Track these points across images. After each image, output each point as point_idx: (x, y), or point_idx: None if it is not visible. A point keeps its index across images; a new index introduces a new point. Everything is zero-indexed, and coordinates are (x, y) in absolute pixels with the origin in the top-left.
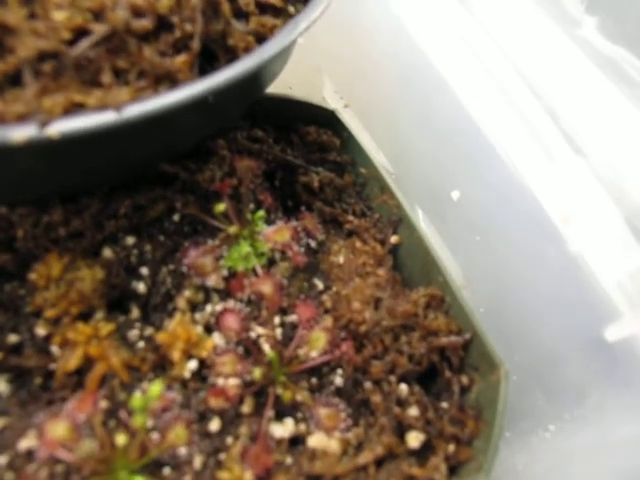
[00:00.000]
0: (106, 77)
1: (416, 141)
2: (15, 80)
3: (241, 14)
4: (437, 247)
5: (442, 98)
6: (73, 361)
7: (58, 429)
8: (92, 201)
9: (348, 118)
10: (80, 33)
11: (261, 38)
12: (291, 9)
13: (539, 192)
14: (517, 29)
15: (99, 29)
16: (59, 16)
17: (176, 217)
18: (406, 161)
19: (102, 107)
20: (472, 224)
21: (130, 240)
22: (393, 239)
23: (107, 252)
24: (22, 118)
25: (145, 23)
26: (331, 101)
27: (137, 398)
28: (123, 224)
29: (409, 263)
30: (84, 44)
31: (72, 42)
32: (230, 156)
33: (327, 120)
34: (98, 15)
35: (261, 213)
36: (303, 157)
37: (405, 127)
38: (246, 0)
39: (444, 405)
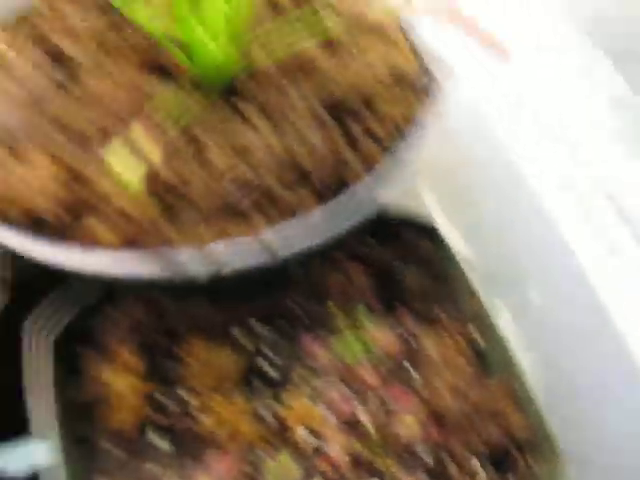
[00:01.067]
0: (248, 208)
1: (501, 240)
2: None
3: (352, 143)
4: (514, 342)
5: (528, 208)
6: (212, 426)
7: None
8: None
9: (439, 217)
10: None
11: (369, 165)
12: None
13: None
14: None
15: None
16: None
17: (295, 307)
18: (491, 259)
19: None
20: (549, 326)
21: (257, 325)
22: (476, 336)
23: (238, 335)
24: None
25: (279, 160)
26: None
27: (272, 465)
28: (255, 313)
29: (490, 357)
30: (235, 184)
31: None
32: (342, 257)
33: (426, 229)
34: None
35: (364, 309)
36: (401, 259)
37: (490, 228)
38: (357, 130)
39: None
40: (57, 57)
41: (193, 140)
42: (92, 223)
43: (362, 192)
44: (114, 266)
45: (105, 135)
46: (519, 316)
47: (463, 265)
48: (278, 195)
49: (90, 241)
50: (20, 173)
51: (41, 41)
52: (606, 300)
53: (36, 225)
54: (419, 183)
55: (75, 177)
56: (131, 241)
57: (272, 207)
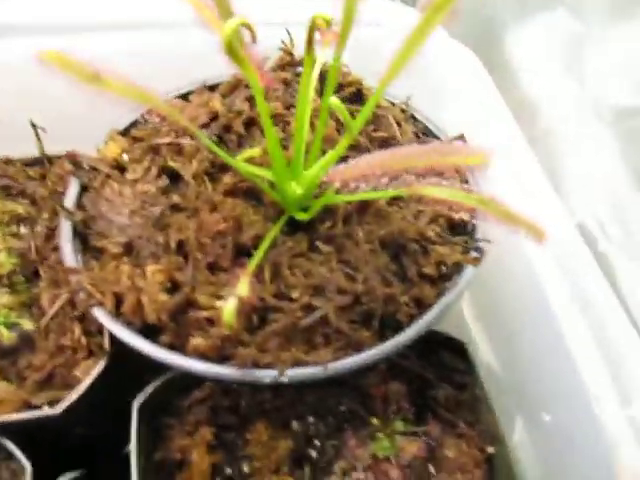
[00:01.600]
0: (318, 339)
1: (523, 358)
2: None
3: (406, 281)
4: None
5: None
6: None
7: None
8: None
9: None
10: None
11: (423, 308)
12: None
13: None
14: None
15: (321, 305)
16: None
17: (343, 407)
18: (514, 374)
19: (314, 363)
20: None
21: (311, 419)
22: (489, 449)
23: (295, 425)
24: (267, 365)
25: (346, 300)
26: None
27: None
28: (310, 409)
29: (496, 464)
30: (310, 319)
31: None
32: (385, 369)
33: (459, 348)
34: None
35: (399, 416)
36: (435, 374)
37: (518, 348)
38: (413, 272)
39: None
40: (167, 171)
41: (277, 269)
42: (198, 341)
43: (415, 331)
44: (208, 371)
45: (213, 266)
46: (530, 431)
47: (485, 382)
48: (345, 332)
49: (191, 350)
50: (137, 283)
51: (154, 153)
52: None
53: (147, 325)
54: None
55: (186, 298)
56: (224, 357)
57: (339, 342)
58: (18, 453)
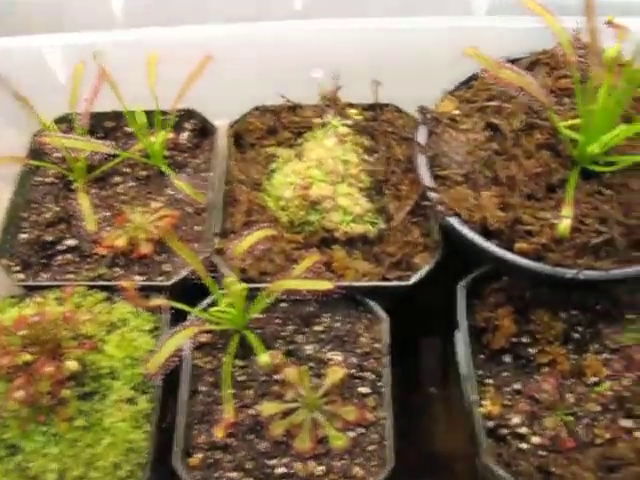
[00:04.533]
0: (603, 254)
1: None
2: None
3: None
4: None
5: None
6: (542, 359)
7: None
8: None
9: None
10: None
11: None
12: None
13: None
14: None
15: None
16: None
17: (599, 307)
18: None
19: (598, 269)
20: None
21: (574, 312)
22: None
23: (563, 315)
24: (567, 266)
25: (622, 230)
26: None
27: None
28: (573, 304)
29: None
30: (598, 239)
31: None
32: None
33: None
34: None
35: None
36: None
37: None
38: None
39: None
40: (491, 125)
41: (575, 202)
42: (522, 244)
43: None
44: (528, 265)
45: (531, 196)
46: None
47: None
48: (620, 251)
49: (517, 250)
50: (479, 202)
51: (481, 112)
52: None
53: (484, 231)
54: None
55: (515, 215)
56: (540, 258)
57: (615, 256)
58: (378, 308)
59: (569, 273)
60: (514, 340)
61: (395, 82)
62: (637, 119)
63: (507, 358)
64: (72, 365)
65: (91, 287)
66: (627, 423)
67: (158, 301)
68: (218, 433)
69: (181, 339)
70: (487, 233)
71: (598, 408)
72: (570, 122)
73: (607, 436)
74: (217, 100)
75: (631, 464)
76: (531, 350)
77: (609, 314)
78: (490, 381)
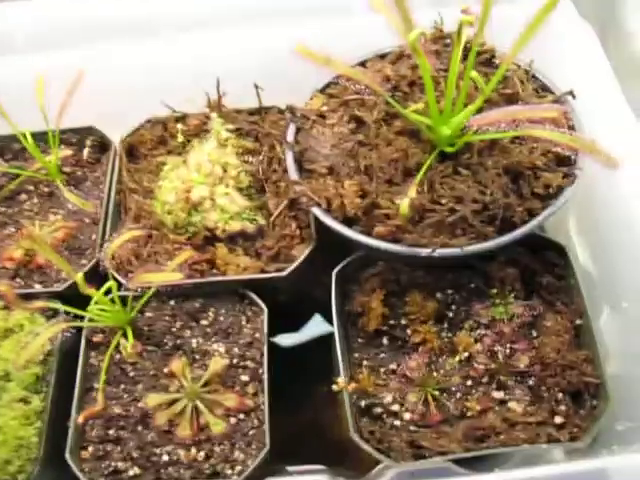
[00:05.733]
0: (458, 231)
1: (613, 262)
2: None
3: (521, 197)
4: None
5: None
6: (414, 338)
7: None
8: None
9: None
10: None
11: (532, 215)
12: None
13: None
14: None
15: (460, 209)
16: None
17: (472, 285)
18: (604, 272)
19: (455, 245)
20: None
21: (449, 291)
22: (578, 321)
23: (438, 295)
24: (424, 246)
25: (478, 206)
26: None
27: (444, 365)
28: (448, 284)
29: (583, 337)
30: (453, 217)
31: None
32: (503, 258)
33: (559, 247)
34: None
35: (512, 293)
36: (540, 264)
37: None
38: (526, 191)
39: None
40: (355, 118)
41: (431, 185)
42: (379, 228)
43: (526, 231)
44: (386, 247)
45: (389, 182)
46: (612, 315)
47: (579, 275)
48: (476, 227)
49: (375, 234)
50: (339, 192)
51: (345, 106)
52: None
53: (346, 219)
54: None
55: (372, 201)
56: (396, 240)
57: (472, 234)
58: (258, 300)
59: (424, 252)
60: (392, 322)
61: (281, 85)
62: (478, 97)
63: (385, 340)
64: None
65: None
66: (499, 395)
67: (39, 303)
68: (79, 419)
69: (48, 334)
70: (348, 220)
71: (469, 382)
72: (414, 107)
73: (478, 408)
74: (117, 115)
75: (499, 433)
76: (407, 331)
77: (482, 291)
78: (366, 363)
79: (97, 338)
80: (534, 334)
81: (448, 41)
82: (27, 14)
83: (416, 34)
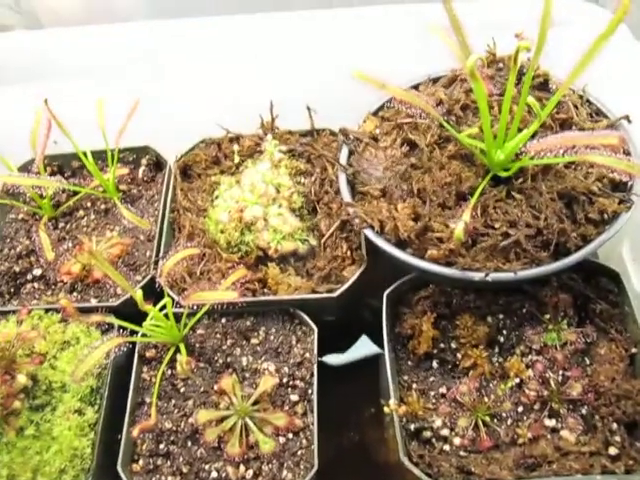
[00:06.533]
0: (512, 256)
1: None
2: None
3: (575, 222)
4: None
5: None
6: (465, 363)
7: None
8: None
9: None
10: (505, 234)
11: (584, 238)
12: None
13: None
14: None
15: (514, 233)
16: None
17: (524, 310)
18: None
19: (506, 271)
20: None
21: (501, 315)
22: (633, 349)
23: (489, 319)
24: (477, 270)
25: (532, 231)
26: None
27: (496, 390)
28: (500, 308)
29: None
30: (506, 242)
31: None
32: (556, 284)
33: (613, 274)
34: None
35: (565, 319)
36: (594, 291)
37: None
38: (581, 216)
39: None
40: (408, 141)
41: (485, 209)
42: (432, 251)
43: (580, 257)
44: (439, 271)
45: (442, 205)
46: None
47: (634, 302)
48: (530, 252)
49: (428, 257)
50: (392, 214)
51: (398, 129)
52: None
53: (399, 241)
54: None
55: (425, 224)
56: (449, 263)
57: (525, 258)
58: (309, 320)
59: (477, 276)
60: (442, 346)
61: (331, 108)
62: (533, 123)
63: (434, 364)
64: (22, 379)
65: (48, 310)
66: (550, 422)
67: (96, 317)
68: (133, 432)
69: (104, 349)
70: (401, 243)
71: (520, 409)
72: (468, 131)
73: (529, 435)
74: (170, 136)
75: (551, 462)
76: (457, 355)
77: (534, 316)
78: (415, 386)
79: (149, 353)
80: (587, 362)
81: (501, 65)
82: (86, 41)
83: (474, 59)
